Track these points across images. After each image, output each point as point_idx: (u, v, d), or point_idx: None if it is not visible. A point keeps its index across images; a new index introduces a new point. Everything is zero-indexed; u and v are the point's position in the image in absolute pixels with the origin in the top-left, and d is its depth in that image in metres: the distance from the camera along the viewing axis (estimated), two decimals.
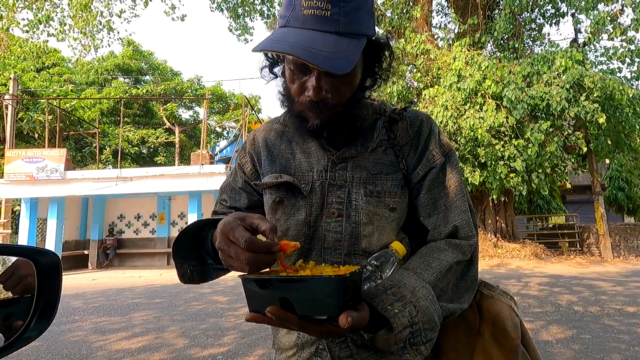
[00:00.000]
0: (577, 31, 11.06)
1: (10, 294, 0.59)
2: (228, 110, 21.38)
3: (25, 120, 15.84)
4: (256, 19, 13.12)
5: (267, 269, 0.59)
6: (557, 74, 8.62)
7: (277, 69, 0.72)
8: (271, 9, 12.62)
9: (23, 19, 9.83)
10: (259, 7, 12.64)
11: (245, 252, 0.52)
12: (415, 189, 0.73)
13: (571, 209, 15.56)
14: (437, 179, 0.72)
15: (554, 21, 10.76)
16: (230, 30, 13.35)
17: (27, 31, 9.95)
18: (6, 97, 12.90)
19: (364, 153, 0.72)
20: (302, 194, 0.73)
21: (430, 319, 0.58)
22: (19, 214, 12.09)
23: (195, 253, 0.70)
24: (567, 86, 8.30)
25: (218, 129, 22.46)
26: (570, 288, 6.23)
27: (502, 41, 10.83)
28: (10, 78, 12.63)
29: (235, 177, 0.85)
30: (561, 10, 10.49)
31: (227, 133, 21.93)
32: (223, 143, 20.66)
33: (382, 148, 0.73)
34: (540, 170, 8.96)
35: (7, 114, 12.82)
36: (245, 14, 12.75)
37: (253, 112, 16.22)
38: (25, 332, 0.48)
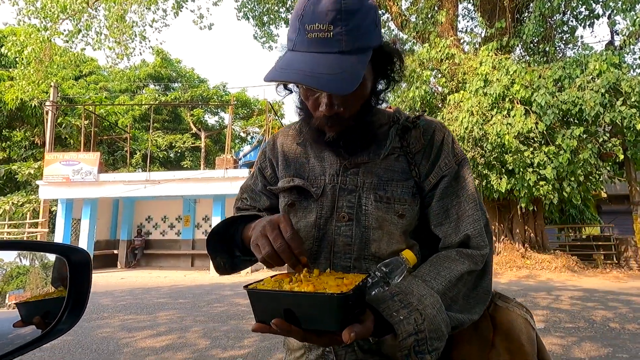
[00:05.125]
0: (614, 33, 10.55)
1: (49, 290, 0.63)
2: (252, 116, 21.78)
3: (63, 125, 16.77)
4: (281, 27, 13.37)
5: (274, 275, 0.61)
6: (591, 77, 8.24)
7: (290, 84, 0.75)
8: None
9: (64, 30, 10.45)
10: (283, 15, 12.87)
11: (283, 241, 0.59)
12: (427, 197, 0.73)
13: (607, 220, 14.72)
14: (449, 188, 0.72)
15: (587, 23, 10.30)
16: (256, 38, 13.67)
17: (67, 41, 10.59)
18: (47, 103, 13.71)
19: (375, 159, 0.73)
20: (313, 197, 0.75)
21: (437, 327, 0.57)
22: (56, 214, 12.74)
23: (225, 247, 0.77)
24: (602, 90, 7.91)
25: (242, 134, 22.92)
26: (605, 303, 5.89)
27: (531, 45, 10.48)
28: (52, 85, 13.43)
29: (255, 180, 0.89)
30: (596, 12, 10.04)
31: (251, 138, 22.32)
32: (247, 148, 21.04)
33: (394, 155, 0.74)
34: (572, 179, 8.55)
35: (47, 120, 13.63)
36: (270, 22, 13.01)
37: (276, 117, 16.46)
38: (57, 325, 0.51)
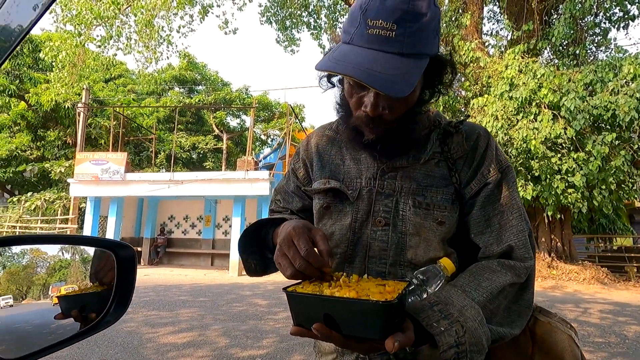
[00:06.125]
0: None
1: (88, 284, 0.66)
2: (273, 119, 22.03)
3: (93, 126, 17.49)
4: (303, 31, 13.50)
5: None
6: (625, 81, 7.90)
7: (335, 79, 0.74)
8: (318, 20, 12.90)
9: (97, 36, 10.93)
10: (305, 19, 12.99)
11: (301, 259, 0.57)
12: (467, 204, 0.71)
13: None
14: (491, 196, 0.70)
15: (622, 25, 9.88)
16: (278, 42, 13.84)
17: (99, 46, 11.06)
18: (79, 105, 14.34)
19: (415, 164, 0.71)
20: (349, 199, 0.73)
21: (478, 341, 0.56)
22: (85, 210, 13.27)
23: (257, 248, 0.78)
24: (637, 95, 7.57)
25: (263, 137, 23.19)
26: (638, 318, 5.59)
27: (560, 47, 10.13)
28: (84, 88, 14.04)
29: (288, 181, 0.88)
30: (631, 13, 9.62)
31: (272, 141, 22.57)
32: (267, 150, 21.30)
33: (434, 160, 0.72)
34: (603, 187, 8.19)
35: (79, 121, 14.24)
36: (293, 26, 13.15)
37: (297, 120, 16.56)
38: (105, 317, 0.54)
